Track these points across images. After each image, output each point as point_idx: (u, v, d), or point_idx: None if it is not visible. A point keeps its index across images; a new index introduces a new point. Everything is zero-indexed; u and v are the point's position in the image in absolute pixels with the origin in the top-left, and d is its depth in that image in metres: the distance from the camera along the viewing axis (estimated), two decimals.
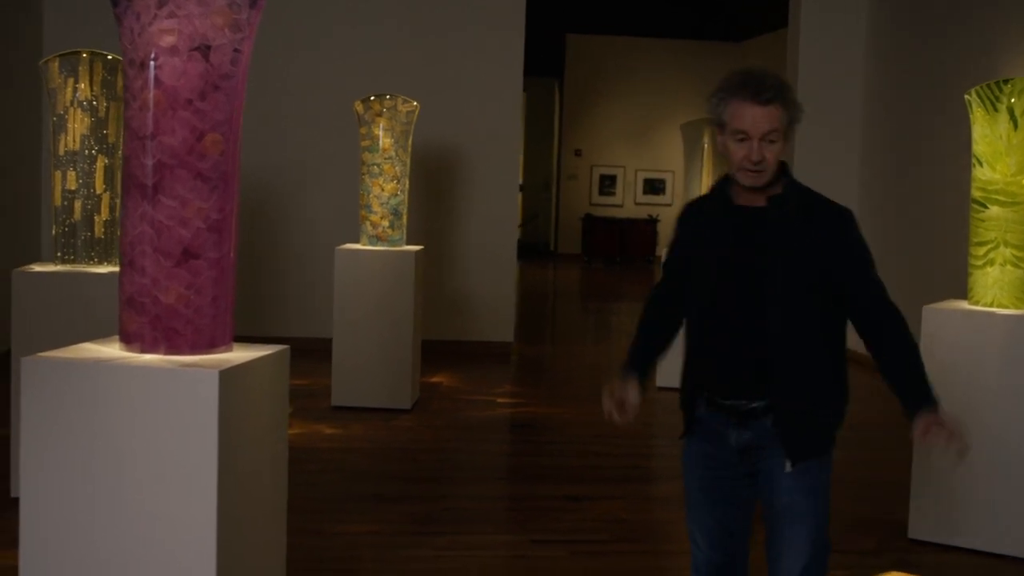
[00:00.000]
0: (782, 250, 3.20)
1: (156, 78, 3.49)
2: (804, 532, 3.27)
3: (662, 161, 23.29)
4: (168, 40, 3.49)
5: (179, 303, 3.53)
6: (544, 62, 23.18)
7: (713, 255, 3.27)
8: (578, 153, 23.93)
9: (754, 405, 3.27)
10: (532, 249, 24.06)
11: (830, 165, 11.59)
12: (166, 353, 3.52)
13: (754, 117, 3.12)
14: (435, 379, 9.64)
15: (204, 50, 3.53)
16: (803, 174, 11.45)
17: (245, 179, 10.83)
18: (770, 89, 3.13)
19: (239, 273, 11.02)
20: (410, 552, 5.44)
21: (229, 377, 3.36)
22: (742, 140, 3.15)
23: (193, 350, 3.55)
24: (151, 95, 3.50)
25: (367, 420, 8.06)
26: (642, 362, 3.48)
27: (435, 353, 10.35)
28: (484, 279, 11.25)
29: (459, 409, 8.67)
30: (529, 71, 16.45)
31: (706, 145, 10.35)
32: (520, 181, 25.64)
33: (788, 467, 3.27)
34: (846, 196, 11.50)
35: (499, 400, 9.06)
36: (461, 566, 5.28)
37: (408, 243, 9.29)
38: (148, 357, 3.49)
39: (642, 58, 23.34)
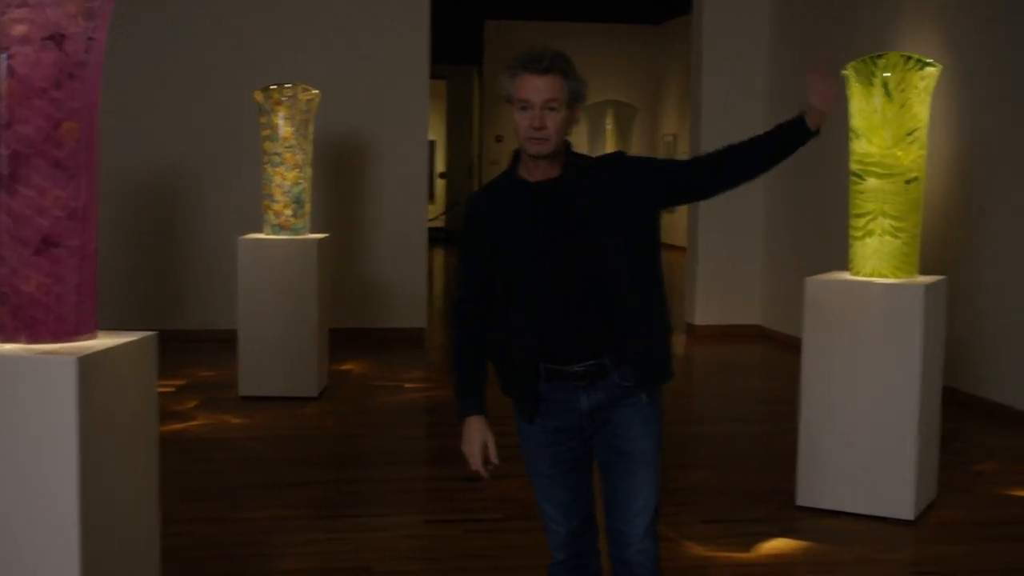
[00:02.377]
0: (595, 205, 3.32)
1: (9, 68, 3.48)
2: (653, 473, 3.47)
3: (581, 146, 23.41)
4: (20, 30, 3.48)
5: (39, 292, 3.53)
6: (463, 49, 23.19)
7: (529, 233, 3.33)
8: (499, 139, 23.95)
9: (606, 362, 3.37)
10: (456, 236, 24.06)
11: (737, 139, 11.69)
12: (28, 342, 3.52)
13: (534, 85, 3.28)
14: (345, 366, 9.66)
15: (57, 39, 3.52)
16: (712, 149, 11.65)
17: (146, 173, 10.82)
18: (546, 59, 3.29)
19: (143, 267, 10.98)
20: (306, 536, 5.47)
21: (88, 364, 3.37)
22: (525, 109, 3.28)
23: (55, 338, 3.55)
24: (4, 85, 3.49)
25: (273, 409, 8.07)
26: (477, 393, 3.50)
27: (346, 341, 10.36)
28: (395, 265, 11.27)
29: (367, 395, 8.71)
30: (449, 59, 16.53)
31: (608, 126, 10.46)
32: (443, 169, 25.78)
33: (644, 401, 3.43)
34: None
35: (408, 386, 9.10)
36: (354, 548, 5.32)
37: (315, 231, 9.29)
38: (8, 347, 3.49)
39: (561, 42, 22.85)
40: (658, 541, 3.53)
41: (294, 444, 7.29)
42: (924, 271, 6.19)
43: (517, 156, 3.43)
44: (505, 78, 3.34)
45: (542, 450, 3.50)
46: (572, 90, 3.33)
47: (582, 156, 3.47)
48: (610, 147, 10.20)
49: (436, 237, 15.61)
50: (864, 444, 5.78)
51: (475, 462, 3.46)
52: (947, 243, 8.59)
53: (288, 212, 8.56)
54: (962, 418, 7.76)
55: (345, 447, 7.32)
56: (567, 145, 3.41)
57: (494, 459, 3.46)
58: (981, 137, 8.40)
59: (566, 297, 3.33)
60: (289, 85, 8.60)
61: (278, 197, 8.55)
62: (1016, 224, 8.00)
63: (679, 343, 11.49)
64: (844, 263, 6.18)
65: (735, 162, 3.50)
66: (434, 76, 11.71)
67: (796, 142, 3.50)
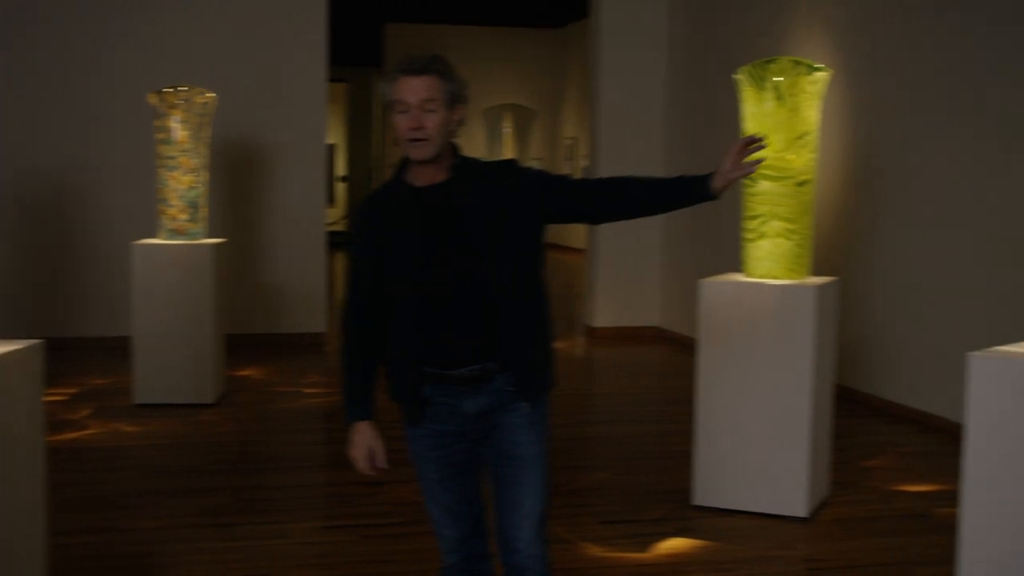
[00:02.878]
0: (481, 212, 3.32)
1: None
2: (541, 477, 3.48)
3: (479, 148, 23.42)
4: None
5: None
6: (364, 52, 23.10)
7: (413, 237, 3.32)
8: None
9: (490, 366, 3.38)
10: None
11: (635, 143, 11.84)
12: None
13: (409, 86, 3.27)
14: (244, 372, 9.56)
15: None
16: (610, 153, 11.80)
17: (37, 177, 10.62)
18: (421, 61, 3.30)
19: (34, 274, 10.76)
20: (200, 544, 5.40)
21: None
22: (403, 112, 3.28)
23: None
24: None
25: (169, 416, 7.95)
26: (365, 399, 3.49)
27: (245, 347, 10.26)
28: (294, 270, 11.19)
29: (265, 401, 8.62)
30: (349, 61, 16.43)
31: (507, 129, 10.50)
32: (344, 172, 25.65)
33: (527, 409, 3.44)
34: (651, 173, 11.79)
35: (307, 391, 9.03)
36: (251, 555, 5.26)
37: (212, 236, 9.19)
38: None
39: (462, 46, 23.39)
40: (547, 545, 3.55)
41: (190, 451, 7.19)
42: (816, 272, 6.30)
43: (405, 162, 3.42)
44: (384, 84, 3.33)
45: (429, 454, 3.50)
46: (451, 91, 3.32)
47: (472, 160, 3.46)
48: (508, 150, 10.26)
49: (337, 241, 15.49)
50: (758, 443, 5.86)
51: (361, 466, 3.46)
52: (839, 244, 8.75)
53: (184, 217, 8.45)
54: (854, 416, 7.91)
55: (242, 454, 7.24)
56: (454, 148, 3.40)
57: (380, 464, 3.47)
58: (870, 140, 8.57)
59: (449, 302, 3.33)
60: (184, 88, 8.48)
61: (173, 201, 8.43)
62: (906, 225, 8.17)
63: (578, 345, 11.57)
64: (738, 265, 6.26)
65: (629, 199, 3.48)
66: (334, 79, 11.65)
67: (693, 200, 3.44)
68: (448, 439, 3.47)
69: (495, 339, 3.36)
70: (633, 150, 11.83)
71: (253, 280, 11.03)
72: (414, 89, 3.26)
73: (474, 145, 22.19)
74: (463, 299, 3.33)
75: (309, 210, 11.27)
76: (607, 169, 11.75)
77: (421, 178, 3.38)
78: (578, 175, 21.15)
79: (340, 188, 25.53)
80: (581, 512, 5.89)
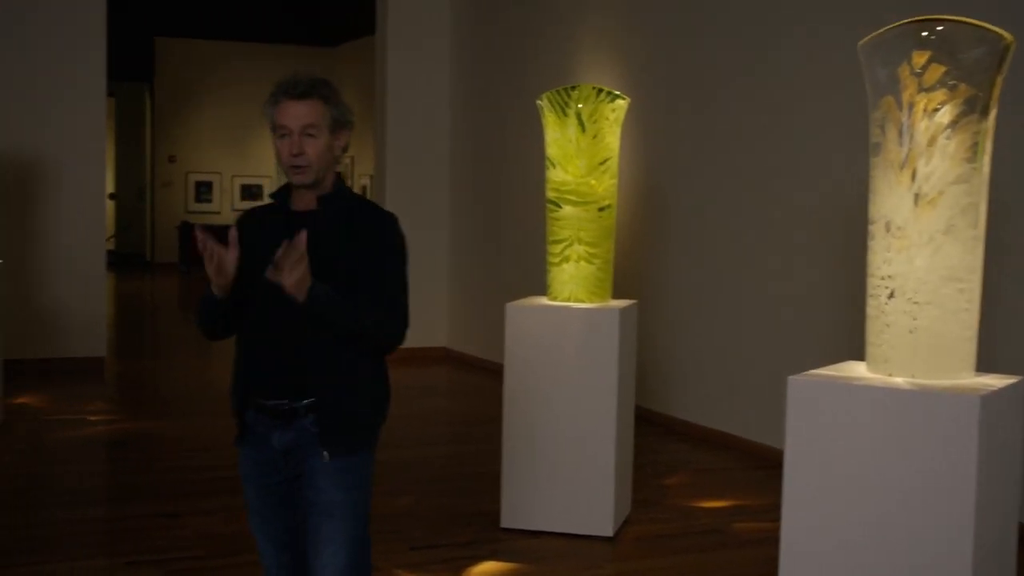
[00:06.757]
0: (329, 247, 3.26)
1: None
2: (342, 528, 3.36)
3: (259, 166, 23.07)
4: None
5: None
6: (133, 66, 22.44)
7: (264, 259, 3.19)
8: (172, 159, 23.34)
9: (296, 405, 3.32)
10: (127, 259, 23.31)
11: (420, 168, 11.87)
12: None
13: (292, 111, 3.23)
14: (21, 400, 9.10)
15: None
16: (394, 178, 11.79)
17: None
18: (304, 84, 3.24)
19: None
20: None
21: None
22: (284, 136, 3.24)
23: None
24: None
25: None
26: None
27: (22, 373, 9.75)
28: (72, 292, 10.73)
29: (47, 430, 8.24)
30: (117, 75, 15.90)
31: None
32: (111, 190, 24.83)
33: (326, 457, 3.32)
34: (437, 199, 11.88)
35: (91, 418, 8.68)
36: None
37: None
38: None
39: (236, 62, 23.04)
40: None
41: None
42: (616, 296, 6.43)
43: (289, 183, 3.34)
44: (267, 105, 3.26)
45: (248, 481, 3.48)
46: (334, 116, 3.27)
47: (344, 193, 3.38)
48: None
49: (111, 261, 15.01)
50: (564, 465, 5.93)
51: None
52: (636, 268, 8.93)
53: None
54: (649, 434, 8.07)
55: (26, 487, 6.86)
56: (337, 177, 3.35)
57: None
58: (663, 166, 8.81)
59: (278, 332, 3.28)
60: None
61: None
62: (697, 249, 8.42)
63: None
64: (536, 288, 6.32)
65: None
66: None
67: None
68: (263, 468, 3.42)
69: (308, 376, 3.30)
70: (419, 166, 11.88)
71: (29, 303, 10.52)
72: (296, 114, 3.21)
73: (271, 165, 21.84)
74: (291, 332, 3.26)
75: (88, 229, 10.85)
76: (393, 186, 11.76)
77: (299, 202, 3.33)
78: (356, 191, 20.99)
79: (109, 206, 24.71)
80: (389, 538, 5.82)
